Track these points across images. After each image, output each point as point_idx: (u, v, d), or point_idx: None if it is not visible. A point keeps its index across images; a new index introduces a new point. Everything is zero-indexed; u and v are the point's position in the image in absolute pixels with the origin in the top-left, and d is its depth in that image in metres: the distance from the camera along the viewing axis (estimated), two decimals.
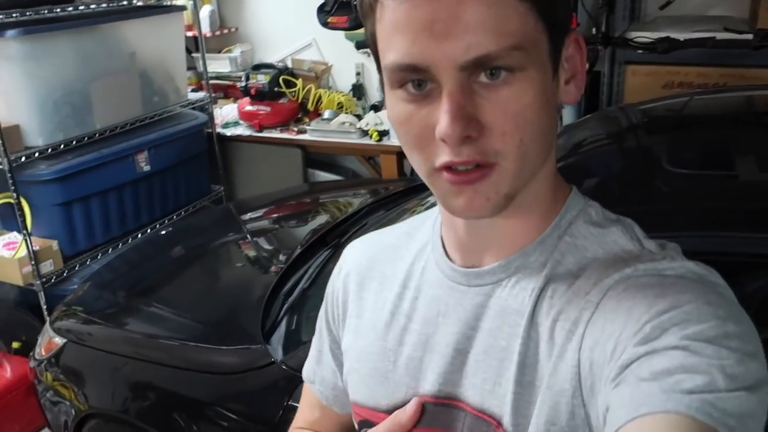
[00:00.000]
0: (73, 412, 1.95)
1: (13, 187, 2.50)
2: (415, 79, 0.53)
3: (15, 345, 2.79)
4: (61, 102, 2.64)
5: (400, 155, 3.33)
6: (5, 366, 2.61)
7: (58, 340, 2.01)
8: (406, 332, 0.69)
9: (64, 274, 2.70)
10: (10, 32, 2.43)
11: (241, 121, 3.62)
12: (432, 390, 0.66)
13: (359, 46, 2.33)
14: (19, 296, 2.94)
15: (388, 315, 0.71)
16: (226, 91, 3.93)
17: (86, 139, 2.73)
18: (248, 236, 2.58)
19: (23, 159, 2.51)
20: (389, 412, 0.69)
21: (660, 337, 0.49)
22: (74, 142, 2.68)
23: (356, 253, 0.79)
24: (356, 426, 0.75)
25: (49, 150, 2.60)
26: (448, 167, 0.54)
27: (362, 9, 0.57)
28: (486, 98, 0.52)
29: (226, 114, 3.68)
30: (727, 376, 0.46)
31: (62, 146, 2.64)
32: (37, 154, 2.56)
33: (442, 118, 0.51)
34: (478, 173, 0.54)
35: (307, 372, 0.86)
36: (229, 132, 3.55)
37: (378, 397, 0.70)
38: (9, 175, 2.47)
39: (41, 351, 2.08)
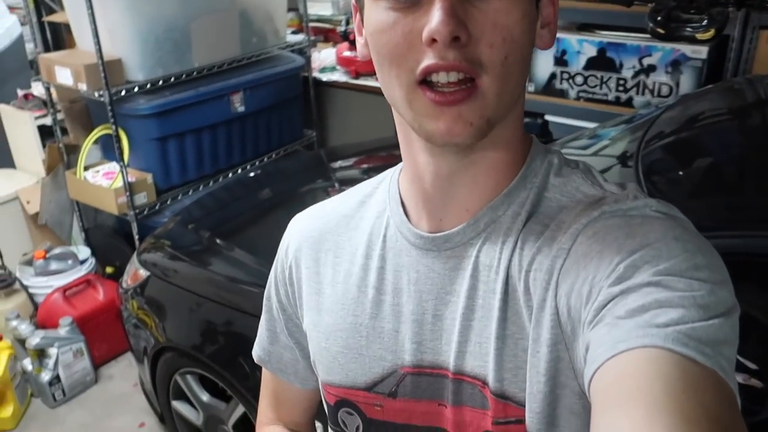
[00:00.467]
0: (152, 341, 2.02)
1: (112, 120, 2.58)
2: None
3: (108, 270, 2.93)
4: (163, 38, 2.66)
5: None
6: (98, 289, 2.75)
7: (143, 273, 2.07)
8: (377, 304, 0.67)
9: (156, 207, 2.78)
10: None
11: (338, 67, 3.56)
12: (412, 360, 0.65)
13: None
14: (116, 224, 3.07)
15: (355, 289, 0.69)
16: (326, 34, 3.87)
17: (184, 76, 2.75)
18: (336, 184, 2.56)
19: (123, 93, 2.57)
20: (368, 389, 0.68)
21: (633, 275, 0.49)
22: (173, 79, 2.72)
23: (304, 227, 0.75)
24: (329, 406, 0.72)
25: (149, 85, 2.64)
26: (430, 86, 0.53)
27: None
28: (477, 8, 0.52)
29: (324, 58, 3.63)
30: (700, 306, 0.47)
31: (161, 82, 2.68)
32: (136, 89, 2.61)
33: (435, 16, 0.50)
34: (462, 93, 0.53)
35: (258, 353, 0.83)
36: (325, 77, 3.51)
37: (354, 375, 0.68)
38: (109, 107, 2.54)
39: (128, 280, 2.16)
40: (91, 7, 2.37)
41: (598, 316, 0.49)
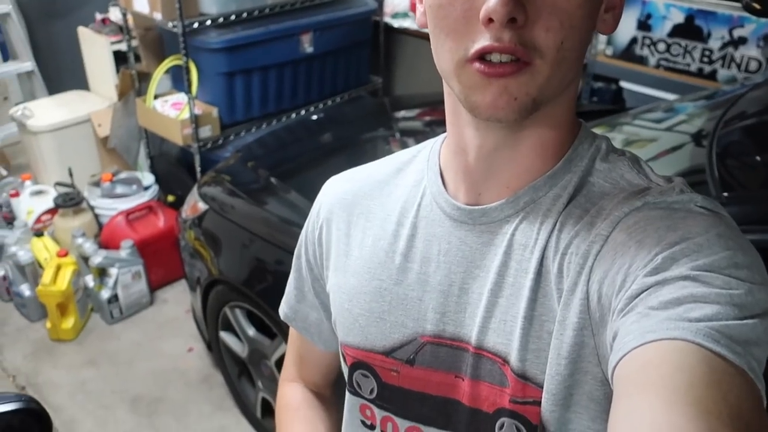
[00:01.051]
0: (206, 273, 2.09)
1: (184, 51, 2.61)
2: None
3: (170, 198, 3.02)
4: None
5: None
6: (159, 216, 2.84)
7: (202, 205, 2.12)
8: (403, 272, 0.67)
9: (220, 142, 2.83)
10: None
11: (410, 13, 3.48)
12: (434, 330, 0.65)
13: None
14: (180, 154, 3.14)
15: (383, 254, 0.68)
16: None
17: (257, 12, 2.75)
18: (397, 134, 2.54)
19: (196, 25, 2.59)
20: (386, 353, 0.68)
21: (670, 268, 0.49)
22: (245, 15, 2.72)
23: (338, 189, 0.75)
24: (346, 367, 0.73)
25: (221, 19, 2.65)
26: (482, 57, 0.52)
27: None
28: None
29: (397, 3, 3.55)
30: (735, 305, 0.46)
31: (233, 17, 2.68)
32: (209, 22, 2.62)
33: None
34: (512, 67, 0.52)
35: (285, 311, 0.84)
36: (396, 23, 3.44)
37: (373, 338, 0.68)
38: (181, 38, 2.57)
39: (188, 211, 2.22)
40: None
41: (631, 304, 0.49)
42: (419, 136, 2.46)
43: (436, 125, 2.63)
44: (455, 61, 0.54)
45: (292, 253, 0.80)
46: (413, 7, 3.50)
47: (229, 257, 2.02)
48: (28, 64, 3.64)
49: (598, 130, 0.64)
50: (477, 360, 0.62)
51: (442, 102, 0.63)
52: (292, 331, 0.86)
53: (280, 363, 1.94)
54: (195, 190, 2.22)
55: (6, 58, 3.76)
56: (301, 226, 0.77)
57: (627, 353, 0.46)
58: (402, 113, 2.76)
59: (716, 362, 0.44)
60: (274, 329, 1.89)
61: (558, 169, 0.60)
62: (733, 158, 1.32)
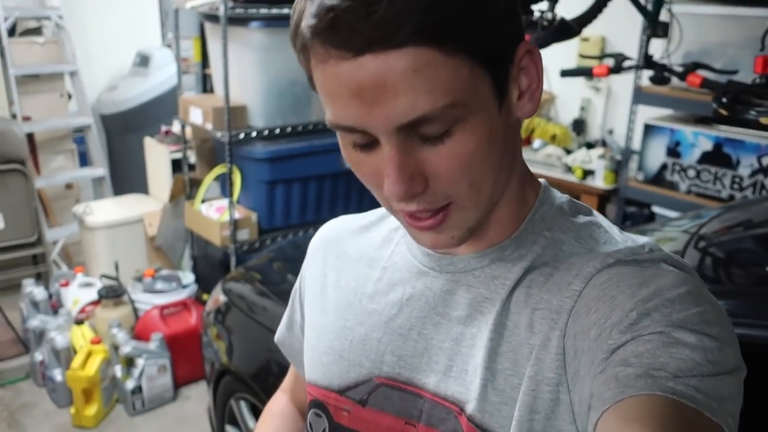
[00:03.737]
0: (218, 364, 2.14)
1: (229, 159, 2.82)
2: (356, 135, 0.53)
3: (204, 297, 3.13)
4: (286, 92, 2.90)
5: (603, 198, 3.11)
6: (192, 313, 2.95)
7: (222, 298, 2.22)
8: (368, 313, 0.68)
9: (256, 245, 2.96)
10: (254, 23, 2.73)
11: None
12: (390, 372, 0.65)
13: (564, 74, 2.22)
14: (222, 257, 3.29)
15: (352, 295, 0.71)
16: None
17: (300, 128, 2.97)
18: None
19: (242, 136, 2.81)
20: (341, 392, 0.68)
21: (644, 323, 0.50)
22: (289, 129, 2.94)
23: (325, 232, 0.79)
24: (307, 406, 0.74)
25: (266, 132, 2.87)
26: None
27: (295, 45, 0.55)
28: (429, 152, 0.52)
29: None
30: (710, 361, 0.47)
31: (278, 130, 2.90)
32: (255, 134, 2.85)
33: (386, 180, 0.52)
34: (437, 219, 0.55)
35: (278, 336, 0.88)
36: None
37: (331, 376, 0.70)
38: (227, 147, 2.79)
39: (210, 304, 2.31)
40: (225, 57, 2.65)
41: (607, 360, 0.49)
42: None
43: None
44: (386, 208, 0.58)
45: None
46: None
47: (240, 349, 2.07)
48: (100, 170, 3.99)
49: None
50: (432, 407, 0.62)
51: None
52: None
53: None
54: (220, 284, 2.32)
55: (84, 164, 4.13)
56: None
57: (608, 408, 0.46)
58: None
59: (695, 417, 0.45)
60: None
61: (522, 231, 0.61)
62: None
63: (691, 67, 1.99)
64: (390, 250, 0.70)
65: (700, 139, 2.69)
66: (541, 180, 0.66)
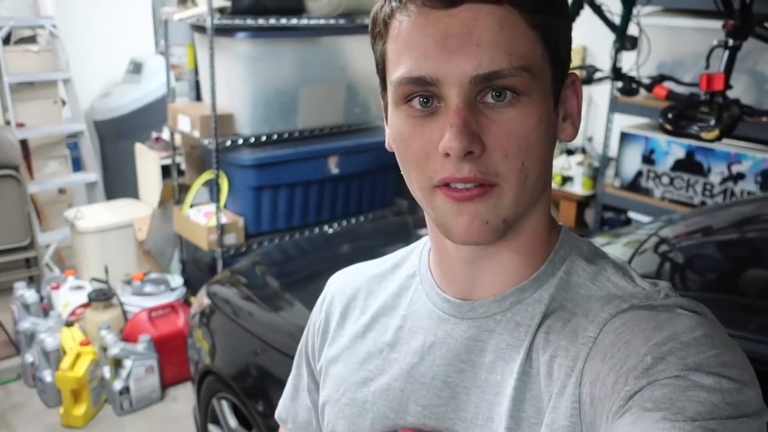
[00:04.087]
0: (202, 365, 2.20)
1: (216, 165, 2.89)
2: (422, 94, 0.54)
3: (192, 299, 3.20)
4: (273, 100, 2.98)
5: (581, 204, 3.18)
6: (180, 315, 3.02)
7: (206, 301, 2.28)
8: (389, 363, 0.68)
9: (243, 249, 3.03)
10: (241, 34, 2.81)
11: None
12: (415, 422, 0.64)
13: None
14: (210, 261, 3.36)
15: (372, 344, 0.70)
16: None
17: (287, 135, 3.04)
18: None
19: (229, 143, 2.89)
20: None
21: (660, 367, 0.49)
22: (276, 136, 3.01)
23: (340, 283, 0.79)
24: None
25: (253, 139, 2.94)
26: (447, 184, 0.55)
27: (375, 28, 0.58)
28: (490, 118, 0.53)
29: None
30: (728, 404, 0.47)
31: (264, 138, 2.97)
32: (241, 141, 2.92)
33: (448, 132, 0.52)
34: (479, 190, 0.54)
35: (280, 411, 0.86)
36: None
37: (356, 428, 0.69)
38: (214, 154, 2.86)
39: (196, 306, 2.38)
40: (212, 67, 2.73)
41: (625, 406, 0.49)
42: None
43: None
44: (423, 190, 0.57)
45: (285, 356, 0.84)
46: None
47: (222, 351, 2.14)
48: (93, 175, 4.06)
49: (603, 239, 0.67)
50: None
51: None
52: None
53: None
54: (204, 286, 2.39)
55: (77, 170, 4.21)
56: (294, 332, 0.83)
57: None
58: (425, 230, 2.89)
59: None
60: (250, 420, 1.95)
61: (542, 272, 0.61)
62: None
63: (658, 80, 2.07)
64: (408, 298, 0.69)
65: (673, 147, 2.77)
66: (561, 223, 0.67)
